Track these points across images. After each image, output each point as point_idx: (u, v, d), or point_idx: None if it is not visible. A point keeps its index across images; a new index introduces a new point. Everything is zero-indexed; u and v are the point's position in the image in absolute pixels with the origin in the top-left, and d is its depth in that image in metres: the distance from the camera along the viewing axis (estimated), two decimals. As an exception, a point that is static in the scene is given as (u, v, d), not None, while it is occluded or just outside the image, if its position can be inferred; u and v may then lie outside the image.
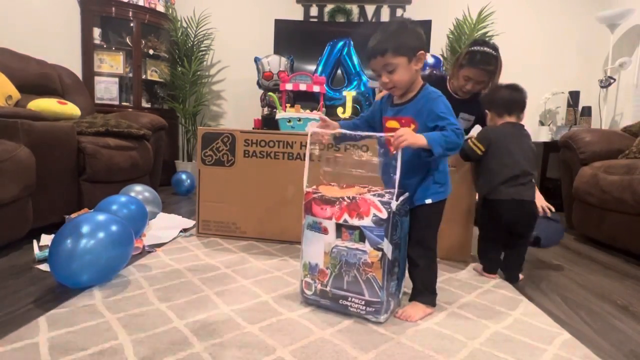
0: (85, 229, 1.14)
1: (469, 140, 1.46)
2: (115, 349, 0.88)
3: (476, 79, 1.80)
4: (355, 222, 1.05)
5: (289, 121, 1.94)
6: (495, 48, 1.78)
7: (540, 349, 0.97)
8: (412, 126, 1.14)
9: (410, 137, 1.02)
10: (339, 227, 1.07)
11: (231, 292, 1.24)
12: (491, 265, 1.49)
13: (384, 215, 1.02)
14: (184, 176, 3.15)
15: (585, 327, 1.12)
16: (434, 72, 2.60)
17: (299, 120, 1.94)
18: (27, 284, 1.21)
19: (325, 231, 1.09)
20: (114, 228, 1.19)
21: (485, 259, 1.51)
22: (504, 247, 1.48)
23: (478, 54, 1.76)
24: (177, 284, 1.28)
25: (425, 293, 1.16)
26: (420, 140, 1.03)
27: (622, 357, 0.97)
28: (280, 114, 1.97)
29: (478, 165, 1.49)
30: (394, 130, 1.11)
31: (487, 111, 1.54)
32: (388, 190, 1.12)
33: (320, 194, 1.11)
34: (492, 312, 1.18)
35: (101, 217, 1.21)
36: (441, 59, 3.23)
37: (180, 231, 1.92)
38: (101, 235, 1.15)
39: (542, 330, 1.07)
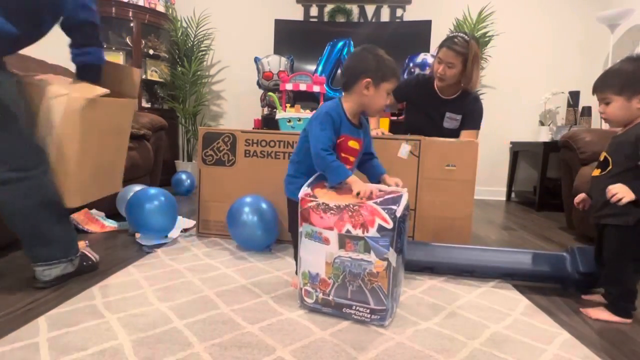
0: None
1: None
2: (115, 349, 0.88)
3: (446, 60, 1.82)
4: (359, 233, 1.00)
5: (289, 121, 1.94)
6: (469, 35, 1.85)
7: (540, 349, 0.97)
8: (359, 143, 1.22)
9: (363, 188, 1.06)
10: (341, 237, 1.02)
11: (231, 292, 1.24)
12: (631, 307, 1.18)
13: (389, 225, 0.98)
14: (184, 176, 3.15)
15: (585, 327, 1.12)
16: (421, 73, 2.58)
17: (299, 120, 1.93)
18: (27, 283, 1.21)
19: (326, 241, 1.04)
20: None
21: (631, 300, 1.17)
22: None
23: (450, 37, 1.85)
24: (177, 284, 1.28)
25: None
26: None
27: (622, 357, 0.97)
28: (280, 114, 1.96)
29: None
30: (354, 150, 1.19)
31: None
32: (388, 195, 1.08)
33: (317, 201, 1.06)
34: (492, 312, 1.18)
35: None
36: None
37: (181, 231, 1.92)
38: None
39: (542, 330, 1.07)
